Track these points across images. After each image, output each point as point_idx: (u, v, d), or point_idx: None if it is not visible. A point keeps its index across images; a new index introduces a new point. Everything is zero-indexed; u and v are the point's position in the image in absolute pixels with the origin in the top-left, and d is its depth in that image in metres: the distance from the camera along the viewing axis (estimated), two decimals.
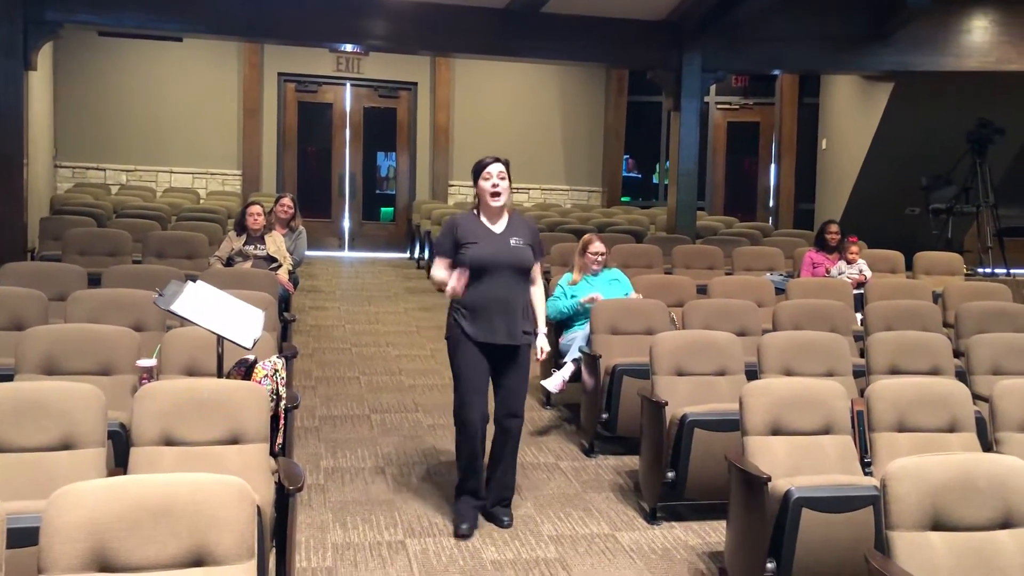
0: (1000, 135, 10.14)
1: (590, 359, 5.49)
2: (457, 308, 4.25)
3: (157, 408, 3.33)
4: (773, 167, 15.00)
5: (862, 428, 4.00)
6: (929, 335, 5.26)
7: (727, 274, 8.20)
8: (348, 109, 14.09)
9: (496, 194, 4.20)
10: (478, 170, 4.23)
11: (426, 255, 11.91)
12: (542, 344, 4.41)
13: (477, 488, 4.31)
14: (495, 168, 4.20)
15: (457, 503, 4.33)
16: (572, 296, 6.09)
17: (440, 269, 4.27)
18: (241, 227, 7.23)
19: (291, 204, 7.77)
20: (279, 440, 3.74)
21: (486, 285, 4.16)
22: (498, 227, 4.25)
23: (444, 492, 4.69)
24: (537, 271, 4.37)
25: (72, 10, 8.83)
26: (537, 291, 4.38)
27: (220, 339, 3.75)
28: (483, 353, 4.20)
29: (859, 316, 6.53)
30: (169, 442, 3.32)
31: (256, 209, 7.20)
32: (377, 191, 14.71)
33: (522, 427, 4.36)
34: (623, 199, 14.88)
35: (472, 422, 4.21)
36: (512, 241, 4.21)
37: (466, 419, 4.21)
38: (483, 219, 4.26)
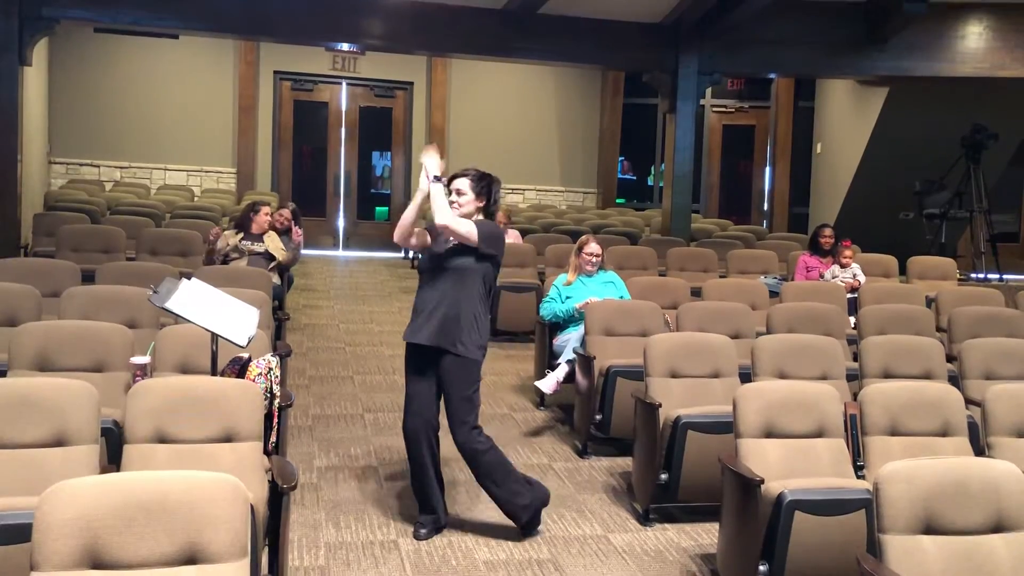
0: (994, 140, 10.17)
1: (584, 360, 5.49)
2: None
3: (150, 405, 3.33)
4: (768, 170, 15.04)
5: (855, 431, 4.02)
6: (922, 339, 5.28)
7: (721, 277, 8.22)
8: (344, 108, 14.08)
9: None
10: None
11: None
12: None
13: (426, 501, 4.21)
14: (455, 183, 4.12)
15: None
16: (567, 297, 6.09)
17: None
18: (241, 225, 7.24)
19: (289, 216, 7.69)
20: (272, 438, 3.74)
21: (423, 281, 4.17)
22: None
23: None
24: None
25: (68, 6, 8.82)
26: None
27: (214, 337, 3.75)
28: (419, 358, 4.12)
29: (852, 320, 6.55)
30: (162, 439, 3.31)
31: (267, 209, 7.26)
32: (372, 190, 14.71)
33: (479, 448, 4.10)
34: (618, 201, 14.90)
35: (409, 430, 4.15)
36: (449, 242, 4.10)
37: (404, 427, 4.18)
38: None
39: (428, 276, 4.14)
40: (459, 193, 4.11)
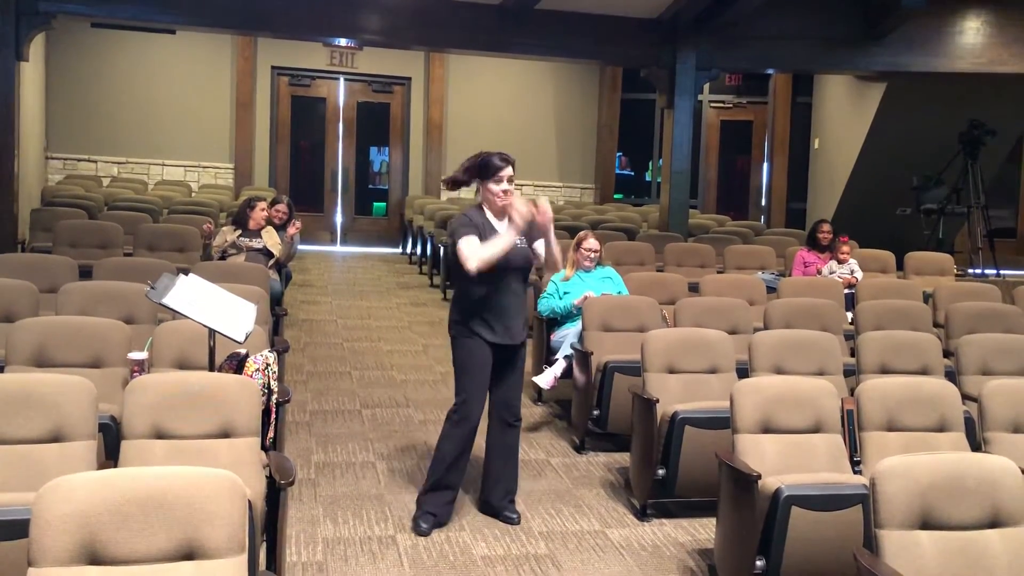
0: (991, 136, 10.19)
1: (582, 356, 5.49)
2: (467, 308, 4.18)
3: (148, 401, 3.32)
4: (766, 166, 15.04)
5: (852, 427, 4.02)
6: (919, 335, 5.28)
7: (719, 272, 8.22)
8: (341, 103, 14.07)
9: (506, 195, 4.12)
10: (489, 170, 4.12)
11: (419, 251, 11.91)
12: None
13: (447, 492, 4.27)
14: (508, 171, 4.12)
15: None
16: (565, 293, 6.09)
17: (474, 245, 4.04)
18: (238, 222, 7.23)
19: (286, 210, 7.68)
20: (270, 434, 3.74)
21: (499, 288, 4.13)
22: (503, 227, 4.16)
23: None
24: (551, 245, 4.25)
25: (65, 1, 8.80)
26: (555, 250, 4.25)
27: (212, 332, 3.75)
28: (490, 353, 4.19)
29: (849, 315, 6.55)
30: (160, 435, 3.31)
31: (263, 205, 7.25)
32: (370, 186, 14.71)
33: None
34: (616, 196, 14.90)
35: (475, 421, 4.21)
36: (519, 242, 4.13)
37: (471, 418, 4.20)
38: (490, 217, 4.18)
39: (500, 277, 4.11)
40: (511, 181, 4.15)
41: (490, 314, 4.14)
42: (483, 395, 4.22)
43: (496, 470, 4.36)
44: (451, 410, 4.24)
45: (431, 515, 4.21)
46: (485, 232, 4.09)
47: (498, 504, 4.37)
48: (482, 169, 4.14)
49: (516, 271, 4.16)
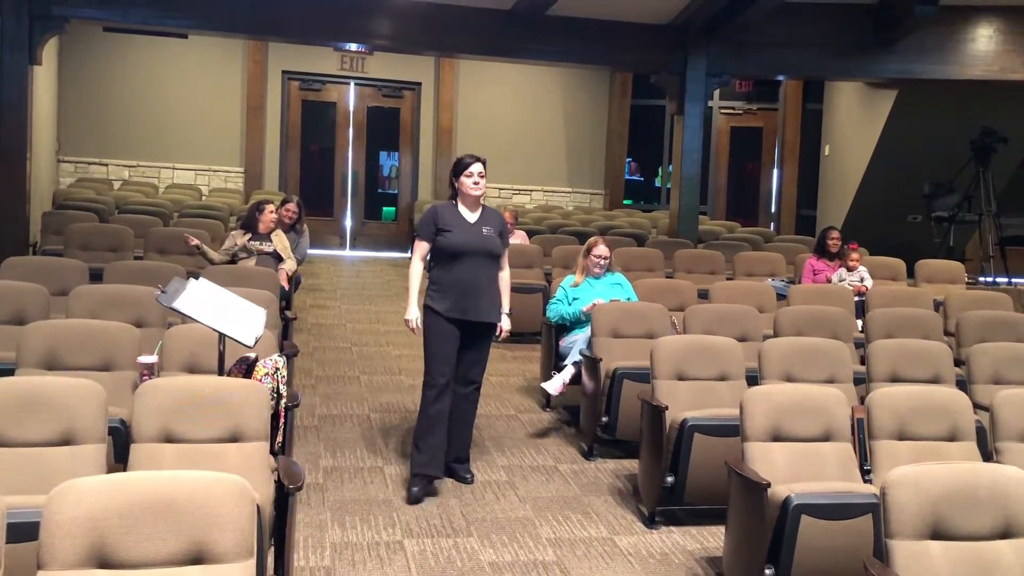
0: (1003, 144, 10.13)
1: (591, 362, 5.49)
2: (431, 288, 4.70)
3: (158, 405, 3.33)
4: (776, 172, 15.01)
5: (862, 435, 4.00)
6: (930, 343, 5.26)
7: (728, 279, 8.19)
8: (352, 108, 14.10)
9: (477, 185, 4.68)
10: (460, 168, 4.71)
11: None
12: (504, 324, 4.87)
13: (439, 454, 4.69)
14: (476, 167, 4.68)
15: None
16: (574, 299, 6.08)
17: (419, 255, 4.75)
18: (248, 225, 7.23)
19: (296, 210, 7.68)
20: (279, 439, 3.75)
21: (461, 268, 4.62)
22: (472, 217, 4.71)
23: (442, 492, 4.70)
24: (504, 258, 4.86)
25: (77, 5, 8.83)
26: (504, 275, 4.87)
27: (221, 337, 3.76)
28: (455, 328, 4.63)
29: (860, 323, 6.53)
30: (169, 439, 3.32)
31: (272, 207, 7.25)
32: (379, 190, 14.72)
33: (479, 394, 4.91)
34: (625, 202, 14.89)
35: (441, 385, 4.64)
36: (484, 230, 4.69)
37: (434, 383, 4.64)
38: (461, 210, 4.71)
39: (465, 259, 4.64)
40: (481, 176, 4.71)
41: (450, 293, 4.62)
42: (446, 366, 4.63)
43: (452, 435, 4.73)
44: (423, 381, 4.71)
45: (414, 483, 4.58)
46: (454, 225, 4.63)
47: (451, 465, 4.80)
48: (456, 167, 4.74)
49: (477, 255, 4.64)
